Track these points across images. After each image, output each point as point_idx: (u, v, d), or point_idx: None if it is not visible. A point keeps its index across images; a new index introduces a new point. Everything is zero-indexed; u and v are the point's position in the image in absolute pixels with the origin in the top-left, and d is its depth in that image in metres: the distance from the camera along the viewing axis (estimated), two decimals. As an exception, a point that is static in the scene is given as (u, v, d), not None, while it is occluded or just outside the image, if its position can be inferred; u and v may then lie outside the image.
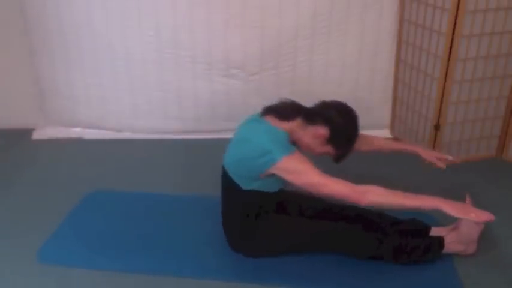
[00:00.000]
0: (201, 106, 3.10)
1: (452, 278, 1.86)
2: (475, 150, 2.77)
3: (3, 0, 2.92)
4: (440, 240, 1.91)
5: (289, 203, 2.03)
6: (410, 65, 2.82)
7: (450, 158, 2.09)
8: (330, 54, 2.95)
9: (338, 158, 1.88)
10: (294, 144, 1.85)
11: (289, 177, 1.73)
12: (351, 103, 3.04)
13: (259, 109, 1.99)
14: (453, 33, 2.40)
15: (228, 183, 1.90)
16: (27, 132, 3.22)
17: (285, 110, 1.85)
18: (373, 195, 1.67)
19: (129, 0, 2.82)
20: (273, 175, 1.76)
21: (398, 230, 1.93)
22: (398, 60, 2.95)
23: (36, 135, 3.21)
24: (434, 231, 1.96)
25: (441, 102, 2.57)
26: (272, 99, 1.91)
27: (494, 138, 2.77)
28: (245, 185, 1.84)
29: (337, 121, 1.80)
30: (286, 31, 2.88)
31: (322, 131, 1.80)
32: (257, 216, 1.92)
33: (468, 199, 1.93)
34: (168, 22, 2.87)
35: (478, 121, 2.68)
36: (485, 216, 1.64)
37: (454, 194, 2.36)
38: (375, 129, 3.14)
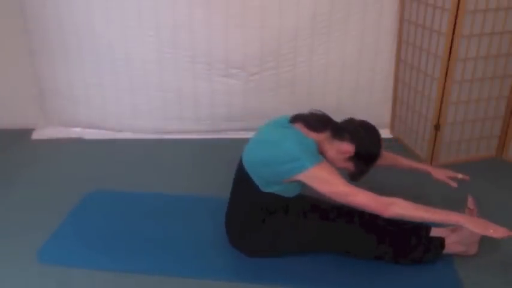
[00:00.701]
0: (201, 106, 3.10)
1: (452, 278, 1.86)
2: (475, 150, 2.77)
3: (3, 0, 2.93)
4: (440, 241, 1.91)
5: (293, 203, 2.03)
6: (410, 65, 2.82)
7: (460, 176, 2.09)
8: (330, 54, 2.95)
9: (355, 176, 1.89)
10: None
11: (316, 185, 1.74)
12: (351, 103, 3.08)
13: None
14: (453, 33, 2.40)
15: (244, 181, 1.89)
16: (27, 132, 3.22)
17: (314, 121, 1.87)
18: (397, 208, 1.69)
19: (129, 0, 2.82)
20: (296, 181, 1.78)
21: (399, 230, 1.93)
22: (398, 60, 2.95)
23: (36, 135, 3.21)
24: (436, 232, 1.96)
25: (441, 102, 2.57)
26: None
27: (494, 138, 2.77)
28: (264, 187, 1.85)
29: (364, 140, 1.82)
30: (286, 31, 2.88)
31: (348, 147, 1.81)
32: (265, 218, 1.92)
33: (470, 199, 1.93)
34: (168, 22, 2.87)
35: (478, 121, 2.68)
36: (502, 232, 1.67)
37: (454, 194, 2.37)
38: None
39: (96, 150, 3.04)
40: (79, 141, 3.15)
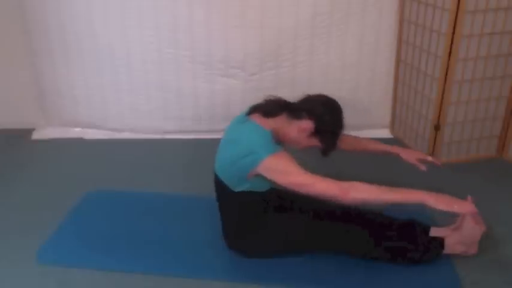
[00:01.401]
0: (200, 106, 3.10)
1: (451, 278, 1.86)
2: (475, 150, 2.77)
3: (3, 0, 2.93)
4: (440, 241, 1.91)
5: (288, 202, 2.04)
6: (410, 65, 2.82)
7: (430, 159, 2.09)
8: (330, 54, 2.95)
9: (325, 151, 1.87)
10: (281, 140, 1.85)
11: (274, 177, 1.73)
12: (351, 103, 3.08)
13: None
14: (453, 33, 2.40)
15: (219, 187, 1.92)
16: (27, 132, 3.22)
17: (269, 107, 1.86)
18: (357, 192, 1.67)
19: (129, 0, 2.82)
20: (260, 175, 1.76)
21: (398, 230, 1.93)
22: (398, 60, 2.95)
23: (36, 135, 3.21)
24: (435, 232, 1.96)
25: (441, 102, 2.57)
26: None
27: (494, 138, 2.77)
28: (235, 187, 1.85)
29: (321, 114, 1.80)
30: (286, 31, 2.88)
31: (307, 124, 1.79)
32: (254, 217, 1.92)
33: (469, 200, 1.92)
34: (168, 22, 2.87)
35: (478, 121, 2.68)
36: (468, 207, 1.66)
37: (454, 194, 2.36)
38: (375, 129, 3.15)
39: (96, 150, 3.04)
40: (79, 141, 3.15)
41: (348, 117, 3.13)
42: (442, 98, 2.56)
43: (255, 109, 1.88)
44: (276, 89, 3.03)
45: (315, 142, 1.84)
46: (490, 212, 2.23)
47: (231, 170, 1.83)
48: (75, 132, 3.21)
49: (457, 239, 1.91)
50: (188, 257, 2.02)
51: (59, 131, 3.21)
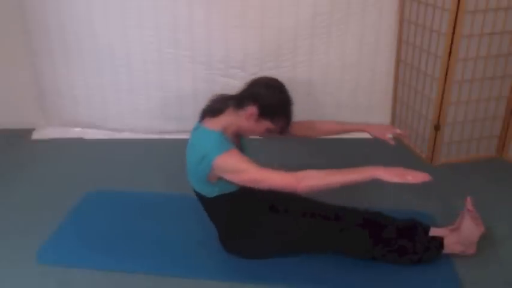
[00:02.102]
0: (200, 106, 3.08)
1: (451, 278, 1.86)
2: (475, 150, 2.77)
3: (3, 0, 2.93)
4: (440, 241, 1.91)
5: (277, 203, 2.04)
6: (410, 65, 2.82)
7: (398, 131, 2.08)
8: (330, 54, 2.95)
9: (282, 130, 1.85)
10: (239, 133, 1.86)
11: (229, 176, 1.73)
12: (351, 103, 3.08)
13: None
14: (453, 33, 2.40)
15: (197, 195, 1.94)
16: (27, 132, 3.22)
17: (215, 106, 1.87)
18: (310, 180, 1.66)
19: (129, 0, 2.82)
20: (219, 177, 1.77)
21: (397, 230, 1.93)
22: (398, 60, 2.95)
23: (36, 135, 3.21)
24: (435, 232, 1.96)
25: (441, 102, 2.57)
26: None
27: (494, 138, 2.77)
28: (207, 193, 1.87)
29: (263, 94, 1.78)
30: (286, 31, 2.88)
31: (251, 110, 1.77)
32: (241, 219, 1.94)
33: (469, 200, 1.93)
34: (168, 22, 2.87)
35: (478, 121, 2.68)
36: (422, 177, 1.63)
37: (454, 194, 2.37)
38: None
39: (96, 150, 3.04)
40: (79, 141, 3.15)
41: (348, 117, 3.16)
42: (442, 98, 2.56)
43: (204, 113, 1.90)
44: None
45: (267, 125, 1.81)
46: (490, 212, 2.23)
47: (196, 178, 1.86)
48: (75, 132, 3.21)
49: (456, 239, 1.91)
50: (188, 257, 2.02)
51: (59, 131, 3.21)
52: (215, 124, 1.81)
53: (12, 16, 2.95)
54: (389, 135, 2.04)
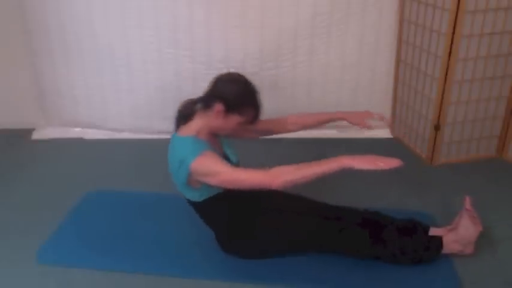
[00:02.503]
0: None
1: (451, 278, 1.86)
2: (475, 150, 2.77)
3: (4, 0, 2.93)
4: (439, 240, 1.91)
5: (270, 202, 2.05)
6: (410, 65, 2.82)
7: (375, 116, 2.09)
8: (330, 54, 2.95)
9: (253, 120, 1.85)
10: (214, 133, 1.88)
11: (206, 179, 1.75)
12: (351, 103, 3.08)
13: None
14: (453, 33, 2.40)
15: (187, 201, 1.96)
16: (27, 132, 3.22)
17: (184, 112, 1.89)
18: (283, 175, 1.68)
19: (129, 0, 2.82)
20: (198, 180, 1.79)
21: (397, 229, 1.94)
22: (398, 60, 2.95)
23: (36, 135, 3.21)
24: (433, 232, 1.96)
25: (441, 102, 2.57)
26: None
27: (494, 138, 2.77)
28: (195, 198, 1.89)
29: (225, 90, 1.79)
30: (286, 31, 2.87)
31: (218, 107, 1.77)
32: (236, 220, 1.95)
33: (467, 200, 1.93)
34: (168, 22, 2.87)
35: (478, 121, 2.68)
36: (394, 162, 1.65)
37: (454, 194, 2.37)
38: (375, 129, 3.14)
39: (96, 150, 3.04)
40: (79, 141, 3.15)
41: (348, 117, 3.14)
42: (442, 98, 2.56)
43: (178, 121, 1.92)
44: (276, 89, 3.03)
45: (237, 119, 1.80)
46: (489, 212, 2.24)
47: (180, 185, 1.87)
48: (75, 132, 3.21)
49: (454, 239, 1.92)
50: (187, 257, 2.02)
51: (59, 131, 3.21)
52: (188, 130, 1.83)
53: (12, 16, 2.95)
54: (369, 121, 2.06)
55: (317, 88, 3.04)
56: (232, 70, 1.89)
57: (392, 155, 2.65)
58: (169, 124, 3.16)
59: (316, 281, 1.88)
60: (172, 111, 3.10)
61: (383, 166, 1.63)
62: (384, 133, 3.14)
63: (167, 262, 2.00)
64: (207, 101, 1.82)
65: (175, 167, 1.81)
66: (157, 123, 3.16)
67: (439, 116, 2.61)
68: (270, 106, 3.06)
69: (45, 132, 3.22)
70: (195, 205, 1.95)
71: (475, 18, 2.38)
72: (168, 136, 3.12)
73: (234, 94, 1.79)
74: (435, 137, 2.67)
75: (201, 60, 2.95)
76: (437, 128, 2.64)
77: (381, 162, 1.64)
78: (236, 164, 1.93)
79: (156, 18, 2.86)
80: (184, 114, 1.89)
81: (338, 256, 1.95)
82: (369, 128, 2.04)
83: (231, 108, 1.78)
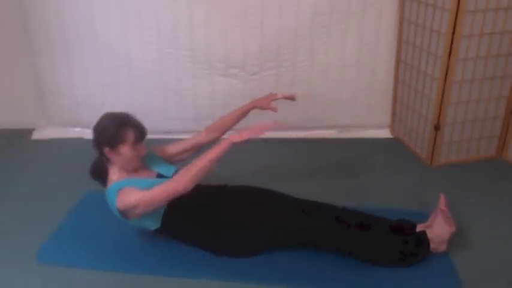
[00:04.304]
0: (201, 106, 3.10)
1: (451, 278, 1.86)
2: (475, 150, 2.77)
3: (4, 0, 2.92)
4: (425, 235, 1.94)
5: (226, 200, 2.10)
6: (410, 65, 2.82)
7: (280, 96, 2.19)
8: (330, 54, 2.95)
9: (140, 138, 1.94)
10: (136, 169, 1.98)
11: (135, 212, 1.85)
12: (351, 103, 3.08)
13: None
14: (453, 33, 2.40)
15: (156, 233, 2.03)
16: (27, 132, 3.22)
17: (99, 171, 2.03)
18: (183, 176, 1.80)
19: (129, 0, 2.82)
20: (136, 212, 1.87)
21: (388, 227, 1.99)
22: (398, 60, 2.95)
23: (36, 135, 3.21)
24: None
25: (441, 102, 2.57)
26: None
27: (494, 138, 2.77)
28: (153, 225, 1.97)
29: (98, 135, 1.93)
30: (286, 31, 2.88)
31: (106, 151, 1.91)
32: (202, 228, 2.00)
33: (442, 199, 1.95)
34: (168, 22, 2.87)
35: (478, 121, 2.68)
36: (268, 125, 1.81)
37: (454, 194, 2.37)
38: (375, 129, 3.15)
39: (96, 150, 3.04)
40: (79, 141, 3.15)
41: (348, 117, 3.16)
42: (442, 98, 2.56)
43: (100, 180, 2.04)
44: (276, 89, 3.01)
45: (124, 148, 1.90)
46: (490, 212, 2.24)
47: (133, 225, 2.01)
48: (75, 132, 3.21)
49: (429, 237, 1.94)
50: (187, 257, 2.02)
51: (59, 131, 3.21)
52: (110, 181, 1.96)
53: (13, 16, 2.95)
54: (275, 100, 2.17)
55: (317, 88, 3.04)
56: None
57: (393, 155, 2.66)
58: (169, 124, 3.20)
59: (316, 281, 1.88)
60: (172, 111, 3.13)
61: (259, 131, 1.78)
62: (384, 133, 3.14)
63: (166, 262, 1.99)
64: (99, 153, 1.96)
65: (118, 216, 1.92)
66: (157, 123, 3.16)
67: (439, 116, 2.61)
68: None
69: (45, 132, 3.22)
70: (161, 231, 2.01)
71: (475, 18, 2.38)
72: (168, 136, 3.17)
73: (104, 133, 1.91)
74: (435, 137, 2.67)
75: (201, 60, 2.95)
76: (437, 128, 2.64)
77: (257, 128, 1.80)
78: (176, 173, 2.01)
79: (156, 18, 2.86)
80: (102, 172, 2.00)
81: (337, 256, 1.95)
82: (275, 110, 2.13)
83: (112, 144, 1.89)
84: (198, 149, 2.23)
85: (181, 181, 1.80)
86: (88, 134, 3.17)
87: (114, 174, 1.96)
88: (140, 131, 1.93)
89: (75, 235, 2.17)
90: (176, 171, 2.03)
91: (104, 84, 3.06)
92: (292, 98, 2.18)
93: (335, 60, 2.97)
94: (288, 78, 3.01)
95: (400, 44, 2.90)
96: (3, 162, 2.88)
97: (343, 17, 2.85)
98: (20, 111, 3.26)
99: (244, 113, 2.21)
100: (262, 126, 1.80)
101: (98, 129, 1.93)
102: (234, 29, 2.87)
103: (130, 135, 1.90)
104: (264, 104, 2.16)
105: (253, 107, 2.19)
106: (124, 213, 1.88)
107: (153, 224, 1.97)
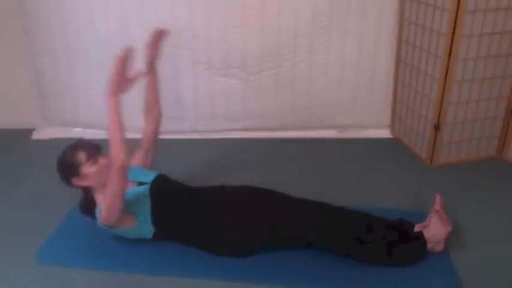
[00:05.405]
0: (201, 106, 3.10)
1: (451, 278, 1.86)
2: (475, 150, 2.77)
3: (4, 0, 2.93)
4: (422, 234, 1.95)
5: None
6: (410, 65, 2.82)
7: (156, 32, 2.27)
8: (330, 54, 2.95)
9: (93, 156, 1.99)
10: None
11: (112, 218, 1.90)
12: (351, 103, 3.08)
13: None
14: (453, 33, 2.40)
15: (158, 238, 2.08)
16: (27, 132, 3.22)
17: (88, 204, 2.05)
18: (111, 156, 1.80)
19: (129, 0, 2.82)
20: (125, 219, 1.97)
21: (386, 225, 2.00)
22: (398, 60, 2.95)
23: (36, 135, 3.21)
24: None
25: (441, 102, 2.57)
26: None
27: (494, 138, 2.77)
28: (148, 234, 2.04)
29: (59, 171, 2.00)
30: (286, 31, 2.87)
31: (75, 181, 1.98)
32: (197, 229, 2.02)
33: (438, 200, 1.95)
34: (168, 22, 2.86)
35: (478, 121, 2.68)
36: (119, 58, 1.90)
37: (454, 194, 2.37)
38: (375, 129, 3.15)
39: (96, 150, 3.04)
40: (79, 141, 3.15)
41: (348, 118, 3.15)
42: (442, 98, 2.56)
43: (91, 214, 2.05)
44: (276, 89, 3.03)
45: (86, 169, 1.96)
46: (490, 212, 2.24)
47: (131, 237, 2.07)
48: (75, 132, 3.20)
49: (426, 236, 1.95)
50: (187, 257, 2.02)
51: (59, 131, 3.21)
52: (97, 201, 2.02)
53: (13, 16, 2.95)
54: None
55: (317, 88, 3.04)
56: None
57: (392, 155, 2.66)
58: (169, 124, 3.19)
59: (315, 281, 1.88)
60: (172, 111, 3.13)
61: (115, 71, 1.90)
62: (383, 133, 3.14)
63: (166, 262, 2.00)
64: (73, 186, 2.01)
65: (115, 233, 2.05)
66: (157, 123, 3.16)
67: (439, 116, 2.61)
68: (270, 106, 3.09)
69: (45, 132, 3.22)
70: (159, 236, 2.05)
71: (475, 18, 2.38)
72: (168, 136, 3.17)
73: (63, 167, 1.99)
74: (435, 137, 2.67)
75: (201, 60, 2.96)
76: (437, 128, 2.64)
77: (112, 70, 1.89)
78: (156, 178, 2.15)
79: (156, 18, 2.86)
80: (90, 207, 2.03)
81: (338, 256, 1.95)
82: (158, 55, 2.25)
83: (74, 172, 1.96)
84: (153, 138, 2.40)
85: (114, 161, 1.79)
86: (88, 134, 3.21)
87: (99, 199, 2.00)
88: (88, 147, 1.99)
89: (75, 235, 2.17)
90: (158, 175, 2.14)
91: (104, 84, 3.05)
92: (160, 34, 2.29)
93: (335, 60, 2.97)
94: (288, 78, 3.01)
95: (400, 44, 2.90)
96: (3, 162, 2.88)
97: (343, 17, 2.85)
98: (20, 111, 3.26)
99: (154, 82, 2.40)
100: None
101: (58, 168, 2.00)
102: (234, 29, 2.87)
103: (82, 154, 1.97)
104: (148, 50, 2.30)
105: (147, 67, 2.33)
106: (110, 226, 1.94)
107: (148, 232, 2.03)
